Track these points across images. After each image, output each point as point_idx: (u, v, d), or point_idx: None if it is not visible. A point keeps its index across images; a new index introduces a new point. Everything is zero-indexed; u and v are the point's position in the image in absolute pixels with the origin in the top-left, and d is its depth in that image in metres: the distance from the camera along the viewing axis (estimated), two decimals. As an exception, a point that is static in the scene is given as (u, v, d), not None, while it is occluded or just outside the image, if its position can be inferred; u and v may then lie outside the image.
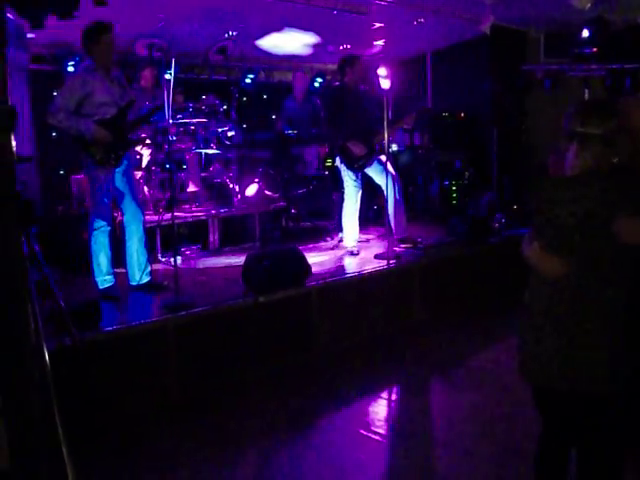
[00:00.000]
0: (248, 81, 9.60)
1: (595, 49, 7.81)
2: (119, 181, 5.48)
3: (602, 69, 8.19)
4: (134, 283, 5.70)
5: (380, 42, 9.06)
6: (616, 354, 2.56)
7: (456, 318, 6.42)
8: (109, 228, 5.44)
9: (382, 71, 6.48)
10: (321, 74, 10.38)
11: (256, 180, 7.97)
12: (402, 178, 7.17)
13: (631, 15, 7.57)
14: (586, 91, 8.12)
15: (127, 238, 5.67)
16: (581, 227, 2.47)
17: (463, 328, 6.21)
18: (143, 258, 5.70)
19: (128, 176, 5.58)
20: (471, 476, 3.74)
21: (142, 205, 5.85)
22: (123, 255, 5.71)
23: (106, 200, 5.38)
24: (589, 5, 6.37)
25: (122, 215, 5.75)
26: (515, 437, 4.07)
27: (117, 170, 5.42)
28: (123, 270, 5.76)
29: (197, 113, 7.67)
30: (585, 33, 7.72)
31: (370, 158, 6.79)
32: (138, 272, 5.68)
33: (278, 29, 8.22)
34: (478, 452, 3.96)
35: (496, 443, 4.05)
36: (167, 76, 7.40)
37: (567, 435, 2.78)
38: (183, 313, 4.85)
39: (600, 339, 2.53)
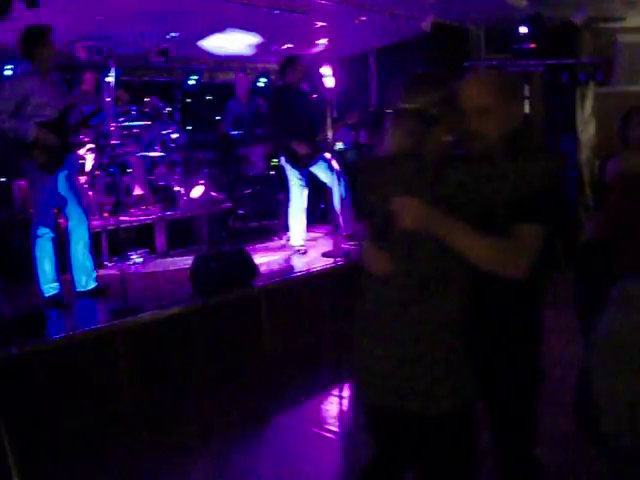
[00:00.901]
0: (191, 82, 9.50)
1: (533, 45, 7.95)
2: (63, 186, 5.39)
3: (540, 64, 8.35)
4: (80, 289, 5.62)
5: (323, 41, 9.05)
6: (454, 367, 2.20)
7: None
8: (53, 235, 5.35)
9: (325, 70, 6.51)
10: (265, 74, 10.34)
11: (202, 182, 7.92)
12: (348, 175, 7.21)
13: (565, 12, 7.73)
14: (526, 86, 8.27)
15: (72, 244, 5.58)
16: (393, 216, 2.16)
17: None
18: (89, 263, 5.63)
19: (72, 181, 5.49)
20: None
21: (88, 210, 5.77)
22: (68, 261, 5.63)
23: (49, 207, 5.30)
24: (525, 3, 6.49)
25: (67, 221, 5.67)
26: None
27: (60, 175, 5.33)
28: (68, 276, 5.68)
29: (140, 116, 7.59)
30: (523, 29, 7.86)
31: (314, 157, 6.82)
32: (84, 277, 5.60)
33: (220, 30, 8.17)
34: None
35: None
36: (108, 79, 7.35)
37: (402, 458, 2.47)
38: (131, 318, 4.81)
39: (430, 351, 2.17)
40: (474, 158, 2.30)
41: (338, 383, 5.17)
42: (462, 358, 2.22)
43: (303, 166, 6.85)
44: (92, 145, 7.07)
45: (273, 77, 10.29)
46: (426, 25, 7.85)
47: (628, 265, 3.25)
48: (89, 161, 7.27)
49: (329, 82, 6.52)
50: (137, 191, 7.76)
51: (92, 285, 5.65)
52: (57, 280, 5.43)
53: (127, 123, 7.46)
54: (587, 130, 8.89)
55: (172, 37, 7.72)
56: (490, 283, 2.19)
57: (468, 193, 2.11)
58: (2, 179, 7.86)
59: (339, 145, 9.46)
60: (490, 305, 2.31)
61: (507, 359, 2.38)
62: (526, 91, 8.26)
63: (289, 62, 6.94)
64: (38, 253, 5.32)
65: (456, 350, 2.21)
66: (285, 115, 6.75)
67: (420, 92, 2.25)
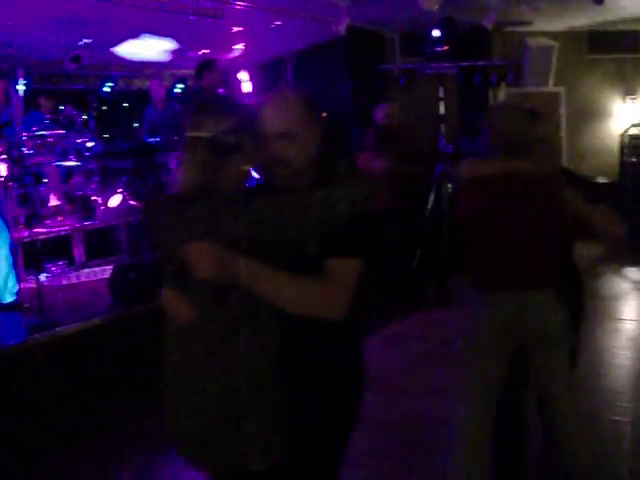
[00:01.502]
0: (107, 89, 9.33)
1: (446, 48, 8.12)
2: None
3: (454, 67, 8.54)
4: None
5: (240, 46, 9.07)
6: (266, 423, 1.99)
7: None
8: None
9: (242, 75, 6.52)
10: (182, 80, 10.24)
11: (119, 190, 7.80)
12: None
13: (476, 16, 7.94)
14: (441, 88, 8.44)
15: None
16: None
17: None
18: (9, 277, 5.50)
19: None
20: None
21: (8, 223, 5.62)
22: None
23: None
24: (437, 7, 6.63)
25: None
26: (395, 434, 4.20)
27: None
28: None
29: (54, 124, 7.43)
30: (436, 33, 8.02)
31: None
32: (4, 292, 5.48)
33: (134, 36, 8.08)
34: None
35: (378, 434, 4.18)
36: (19, 87, 7.16)
37: None
38: (48, 332, 4.71)
39: (237, 407, 1.96)
40: (279, 188, 2.11)
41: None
42: (275, 412, 2.02)
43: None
44: (4, 156, 6.88)
45: (190, 83, 10.22)
46: (341, 29, 7.93)
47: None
48: (1, 172, 7.07)
49: (246, 87, 6.52)
50: (53, 201, 7.57)
51: (11, 299, 5.52)
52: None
53: (40, 132, 7.28)
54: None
55: (85, 43, 7.59)
56: (302, 324, 1.99)
57: (273, 228, 1.90)
58: None
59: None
60: (302, 347, 2.11)
61: (318, 405, 2.16)
62: (440, 92, 8.43)
63: (206, 65, 6.91)
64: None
65: (267, 404, 2.01)
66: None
67: (212, 118, 2.01)
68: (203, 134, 1.96)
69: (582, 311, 3.49)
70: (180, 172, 2.09)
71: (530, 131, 3.01)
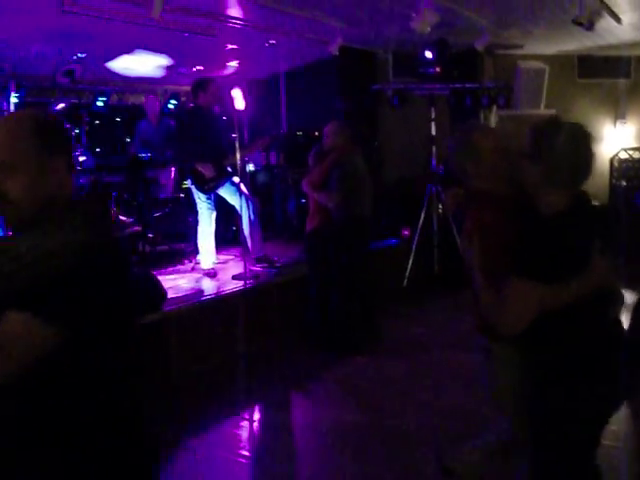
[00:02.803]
0: (100, 104, 9.37)
1: (438, 69, 8.18)
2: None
3: (446, 88, 8.60)
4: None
5: (234, 63, 9.11)
6: None
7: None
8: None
9: (236, 92, 6.53)
10: (175, 96, 10.31)
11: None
12: (259, 197, 7.22)
13: (468, 39, 8.00)
14: (432, 109, 8.51)
15: None
16: None
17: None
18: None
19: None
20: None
21: None
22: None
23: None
24: (429, 29, 6.67)
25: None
26: (380, 452, 4.20)
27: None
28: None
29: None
30: (428, 54, 8.07)
31: (220, 180, 6.79)
32: None
33: (128, 51, 8.12)
34: (343, 464, 4.07)
35: (362, 453, 4.17)
36: (12, 100, 7.19)
37: None
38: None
39: None
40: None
41: (248, 406, 5.17)
42: None
43: (209, 189, 6.82)
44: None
45: (183, 99, 10.27)
46: (334, 49, 7.98)
47: None
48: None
49: (239, 104, 6.54)
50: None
51: None
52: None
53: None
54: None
55: (79, 58, 7.62)
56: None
57: None
58: None
59: (250, 167, 9.50)
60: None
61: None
62: (432, 113, 8.49)
63: (200, 85, 6.92)
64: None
65: None
66: (193, 137, 6.70)
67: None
68: None
69: None
70: None
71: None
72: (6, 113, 6.78)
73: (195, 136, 6.67)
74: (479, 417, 4.03)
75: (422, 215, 8.33)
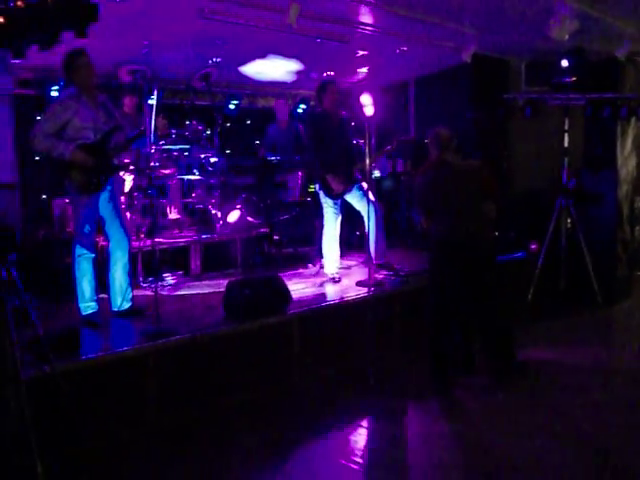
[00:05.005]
0: (232, 107, 9.62)
1: (574, 78, 7.90)
2: (104, 207, 5.47)
3: (582, 98, 8.30)
4: (115, 309, 5.68)
5: (364, 69, 9.14)
6: None
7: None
8: (92, 255, 5.43)
9: (365, 98, 6.53)
10: (305, 100, 10.45)
11: (238, 206, 7.97)
12: (385, 204, 7.19)
13: (609, 47, 7.69)
14: (566, 120, 8.22)
15: (111, 264, 5.64)
16: None
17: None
18: (125, 284, 5.68)
19: (114, 202, 5.56)
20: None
21: (129, 232, 5.82)
22: (107, 280, 5.69)
23: (89, 227, 5.36)
24: (567, 36, 6.47)
25: (107, 241, 5.74)
26: (497, 468, 4.09)
27: (102, 196, 5.41)
28: (106, 295, 5.74)
29: (180, 139, 7.68)
30: (564, 63, 7.82)
31: (348, 188, 6.83)
32: (119, 298, 5.66)
33: (262, 56, 8.27)
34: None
35: (474, 472, 4.07)
36: (151, 102, 7.46)
37: None
38: (162, 341, 4.84)
39: None
40: None
41: (367, 415, 5.13)
42: None
43: (336, 196, 6.87)
44: (132, 167, 7.16)
45: (312, 103, 10.38)
46: (467, 56, 7.86)
47: None
48: (128, 182, 7.37)
49: (368, 110, 6.53)
50: (173, 214, 7.84)
51: (126, 306, 5.70)
52: (95, 300, 5.49)
53: (167, 146, 7.55)
54: (627, 166, 8.81)
55: (214, 62, 7.82)
56: None
57: None
58: (43, 196, 8.02)
59: (376, 173, 9.48)
60: None
61: None
62: (566, 124, 8.20)
63: (321, 88, 7.00)
64: (77, 272, 5.40)
65: None
66: (323, 142, 6.77)
67: None
68: None
69: None
70: None
71: None
72: (147, 114, 7.01)
73: (326, 140, 6.72)
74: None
75: (550, 229, 8.07)
